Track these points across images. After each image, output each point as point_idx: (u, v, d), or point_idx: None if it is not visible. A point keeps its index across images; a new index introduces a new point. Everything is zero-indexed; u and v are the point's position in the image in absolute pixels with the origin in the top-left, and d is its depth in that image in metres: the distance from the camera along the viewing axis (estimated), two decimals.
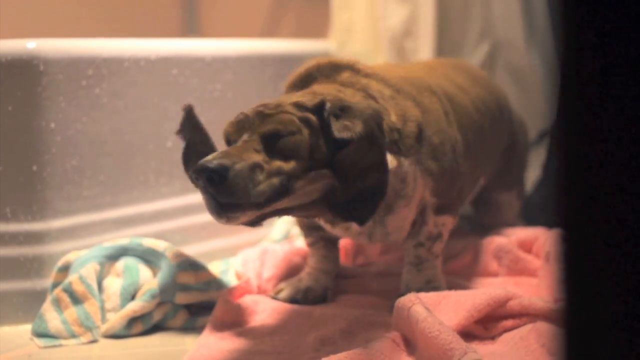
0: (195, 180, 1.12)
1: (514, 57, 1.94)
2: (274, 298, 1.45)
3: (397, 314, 1.17)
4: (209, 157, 1.11)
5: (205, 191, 1.11)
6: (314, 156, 1.16)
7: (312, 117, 1.18)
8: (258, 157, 1.13)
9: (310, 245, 1.49)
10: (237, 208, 1.11)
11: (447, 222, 1.41)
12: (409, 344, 1.15)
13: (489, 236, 1.62)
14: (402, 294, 1.23)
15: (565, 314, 0.49)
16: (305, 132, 1.17)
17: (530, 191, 1.97)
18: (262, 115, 1.18)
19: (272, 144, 1.15)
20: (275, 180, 1.12)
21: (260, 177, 1.11)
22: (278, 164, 1.14)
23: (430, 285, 1.38)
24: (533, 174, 1.96)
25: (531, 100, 1.94)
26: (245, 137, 1.16)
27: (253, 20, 2.52)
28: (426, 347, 1.09)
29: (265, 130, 1.16)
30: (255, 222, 1.20)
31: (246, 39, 1.91)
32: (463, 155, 1.40)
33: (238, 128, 1.19)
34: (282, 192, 1.13)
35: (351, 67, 1.33)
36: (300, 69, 1.36)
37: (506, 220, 1.77)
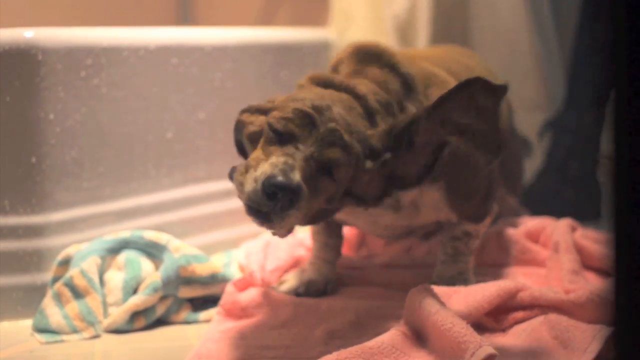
0: (266, 196, 1.07)
1: (517, 45, 1.91)
2: (277, 290, 1.42)
3: (408, 306, 1.15)
4: (275, 168, 1.08)
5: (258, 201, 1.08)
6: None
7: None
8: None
9: (314, 232, 1.46)
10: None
11: (486, 222, 1.41)
12: (420, 337, 1.13)
13: (496, 226, 1.60)
14: (435, 283, 1.23)
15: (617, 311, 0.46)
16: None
17: (532, 180, 1.96)
18: (327, 133, 1.14)
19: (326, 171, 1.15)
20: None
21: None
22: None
23: (462, 277, 1.37)
24: (536, 163, 1.94)
25: (534, 89, 1.92)
26: (307, 149, 1.13)
27: (249, 7, 2.49)
28: (439, 340, 1.07)
29: (325, 159, 1.13)
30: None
31: (246, 28, 1.88)
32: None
33: (303, 123, 1.14)
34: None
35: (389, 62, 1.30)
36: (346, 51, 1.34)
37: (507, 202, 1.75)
